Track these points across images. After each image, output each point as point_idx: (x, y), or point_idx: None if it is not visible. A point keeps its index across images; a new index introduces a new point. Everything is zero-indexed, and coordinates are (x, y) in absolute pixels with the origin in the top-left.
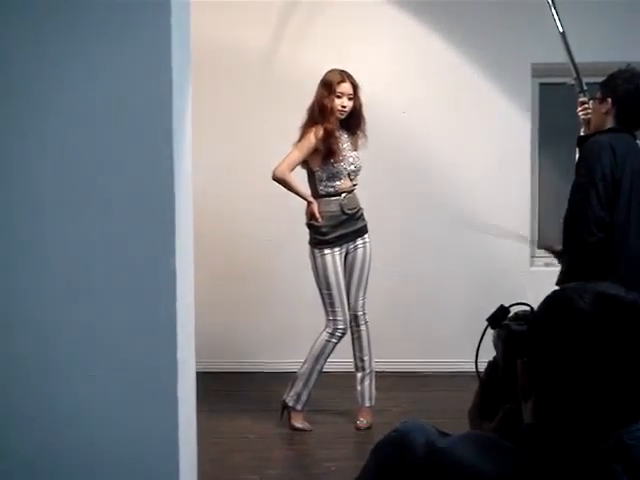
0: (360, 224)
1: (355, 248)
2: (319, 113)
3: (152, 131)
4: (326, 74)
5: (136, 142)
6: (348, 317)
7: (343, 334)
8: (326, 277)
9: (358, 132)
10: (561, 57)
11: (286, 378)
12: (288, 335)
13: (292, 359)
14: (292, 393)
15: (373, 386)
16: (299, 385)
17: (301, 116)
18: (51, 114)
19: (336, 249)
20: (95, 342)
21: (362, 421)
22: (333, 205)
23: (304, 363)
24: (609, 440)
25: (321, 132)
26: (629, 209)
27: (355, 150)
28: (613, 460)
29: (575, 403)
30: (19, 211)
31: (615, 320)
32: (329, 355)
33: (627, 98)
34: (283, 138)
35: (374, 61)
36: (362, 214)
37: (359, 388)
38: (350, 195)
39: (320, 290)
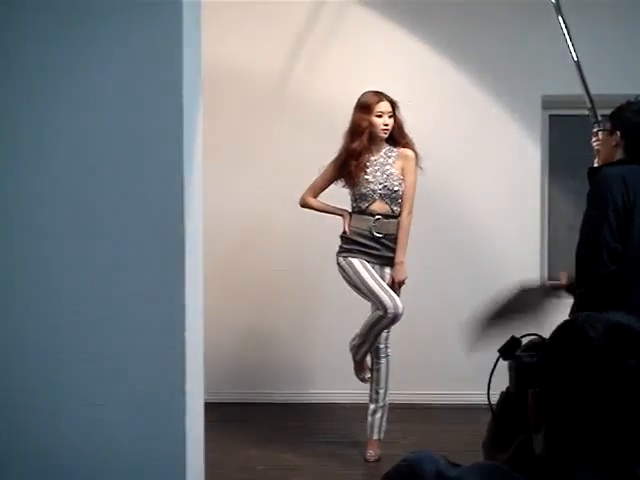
0: (391, 254)
1: (382, 277)
2: (351, 134)
3: (162, 157)
4: (362, 96)
5: (146, 167)
6: (396, 302)
7: (395, 316)
8: (357, 273)
9: (406, 150)
10: (571, 89)
11: (296, 409)
12: (299, 367)
13: (303, 390)
14: (350, 346)
15: (384, 419)
16: (356, 341)
17: (316, 139)
18: (55, 134)
19: (363, 257)
20: (103, 372)
21: (371, 453)
22: (363, 223)
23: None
24: (621, 474)
25: (340, 157)
26: None
27: (404, 173)
28: None
29: (585, 435)
30: (27, 232)
31: (626, 349)
32: (381, 331)
33: (637, 131)
34: (299, 161)
35: (388, 88)
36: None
37: (369, 419)
38: (386, 221)
39: (359, 290)
